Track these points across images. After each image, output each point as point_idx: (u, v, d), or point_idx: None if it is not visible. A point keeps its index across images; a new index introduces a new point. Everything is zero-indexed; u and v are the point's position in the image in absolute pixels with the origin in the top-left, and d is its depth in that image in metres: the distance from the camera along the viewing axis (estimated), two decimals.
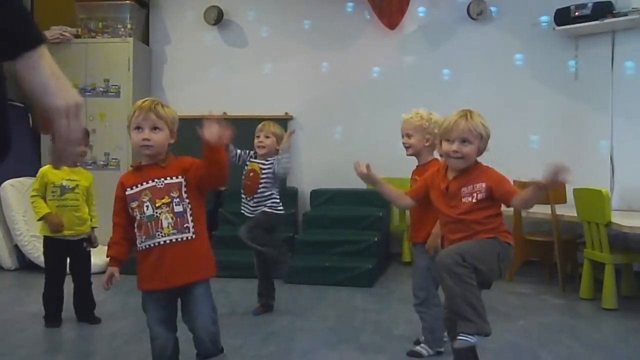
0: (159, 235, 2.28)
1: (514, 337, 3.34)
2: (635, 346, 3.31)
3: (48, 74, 1.01)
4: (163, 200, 2.29)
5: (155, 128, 2.30)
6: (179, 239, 2.29)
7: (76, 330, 3.43)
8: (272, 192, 3.76)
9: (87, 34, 6.10)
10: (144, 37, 6.45)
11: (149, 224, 2.29)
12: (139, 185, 2.33)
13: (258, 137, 3.78)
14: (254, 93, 6.25)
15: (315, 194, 5.82)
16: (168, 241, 2.28)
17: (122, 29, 6.09)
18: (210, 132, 2.11)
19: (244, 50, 6.37)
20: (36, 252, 5.09)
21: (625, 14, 5.01)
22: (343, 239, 5.13)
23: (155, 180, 2.31)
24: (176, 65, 6.45)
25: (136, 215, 2.32)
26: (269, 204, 3.74)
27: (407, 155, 3.07)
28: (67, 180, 3.55)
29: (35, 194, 3.49)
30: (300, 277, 4.72)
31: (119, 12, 6.11)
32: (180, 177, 2.32)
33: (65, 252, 3.50)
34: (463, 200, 2.30)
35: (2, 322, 3.58)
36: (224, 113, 6.07)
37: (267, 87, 6.27)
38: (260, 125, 3.83)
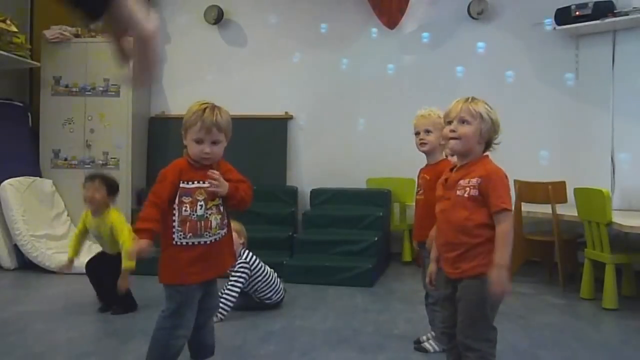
0: (207, 235, 2.39)
1: (514, 337, 3.34)
2: (636, 346, 3.30)
3: (133, 6, 1.13)
4: (214, 202, 2.40)
5: (216, 142, 2.39)
6: (221, 236, 2.43)
7: (76, 330, 3.43)
8: None
9: (87, 34, 6.09)
10: None
11: (198, 223, 2.37)
12: (195, 182, 2.38)
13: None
14: (254, 92, 6.24)
15: (315, 194, 5.81)
16: (214, 240, 2.41)
17: None
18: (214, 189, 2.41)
19: (244, 50, 6.36)
20: (35, 251, 5.09)
21: (626, 14, 5.01)
22: (343, 238, 5.12)
23: (209, 181, 2.38)
24: (176, 65, 6.44)
25: (185, 211, 2.35)
26: None
27: (422, 151, 2.97)
28: (94, 229, 3.84)
29: (76, 232, 3.99)
30: (300, 276, 4.72)
31: None
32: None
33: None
34: (457, 193, 2.17)
35: (1, 322, 3.57)
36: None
37: (267, 87, 6.27)
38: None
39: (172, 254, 2.36)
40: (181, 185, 2.37)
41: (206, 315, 2.54)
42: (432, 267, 2.38)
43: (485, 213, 2.13)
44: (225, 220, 2.46)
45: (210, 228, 2.38)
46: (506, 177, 2.18)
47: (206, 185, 2.37)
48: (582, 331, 3.51)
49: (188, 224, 2.34)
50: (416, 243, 3.12)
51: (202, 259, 2.39)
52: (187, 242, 2.36)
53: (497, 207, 2.10)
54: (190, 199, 2.35)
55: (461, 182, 2.18)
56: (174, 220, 2.35)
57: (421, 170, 3.03)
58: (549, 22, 5.53)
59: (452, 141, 2.22)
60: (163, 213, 2.34)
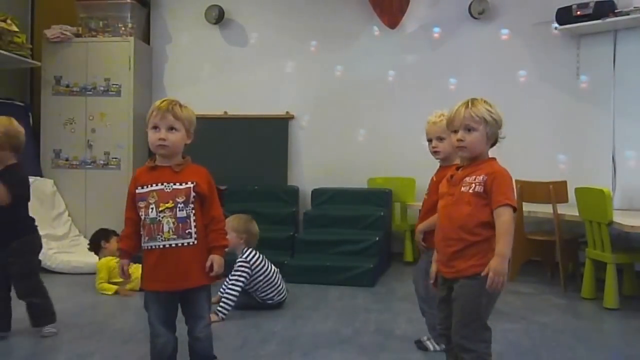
0: (159, 238, 2.33)
1: (515, 336, 3.33)
2: (637, 346, 3.30)
3: None
4: (167, 205, 2.33)
5: (171, 128, 2.36)
6: (180, 244, 2.33)
7: (76, 330, 3.42)
8: None
9: (87, 33, 6.08)
10: (145, 36, 6.44)
11: (151, 226, 2.34)
12: (148, 186, 2.37)
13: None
14: (255, 92, 6.24)
15: (316, 193, 5.81)
16: (167, 245, 2.32)
17: (123, 28, 6.08)
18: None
19: (244, 50, 6.36)
20: None
21: (627, 14, 5.00)
22: (344, 238, 5.12)
23: (165, 183, 2.35)
24: (177, 65, 6.44)
25: (141, 215, 2.36)
26: None
27: (437, 158, 2.94)
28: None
29: (100, 281, 4.39)
30: (301, 276, 4.71)
31: (120, 11, 6.10)
32: (190, 182, 2.37)
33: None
34: (462, 189, 2.19)
35: None
36: (225, 112, 6.11)
37: (268, 86, 6.26)
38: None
39: (143, 258, 2.41)
40: (137, 191, 2.38)
41: (191, 323, 2.46)
42: (434, 268, 2.37)
43: (487, 212, 2.14)
44: (190, 230, 2.35)
45: (162, 232, 2.32)
46: (511, 178, 2.21)
47: (158, 187, 2.34)
48: (583, 331, 3.51)
49: (146, 228, 2.35)
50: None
51: (160, 265, 2.34)
52: (147, 247, 2.36)
53: (501, 202, 2.12)
54: (144, 202, 2.35)
55: (467, 179, 2.20)
56: (141, 226, 2.39)
57: (438, 168, 3.00)
58: (555, 25, 5.49)
59: (460, 151, 2.25)
60: (137, 225, 2.40)
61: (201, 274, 2.39)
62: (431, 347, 3.03)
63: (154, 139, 2.37)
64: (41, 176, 5.86)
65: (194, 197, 2.36)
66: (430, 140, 2.91)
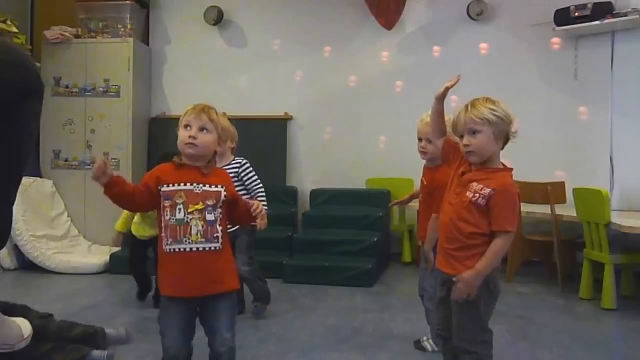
0: (186, 241, 2.20)
1: (513, 337, 3.35)
2: (635, 346, 3.31)
3: None
4: (197, 206, 2.21)
5: (203, 129, 2.25)
6: (207, 248, 2.22)
7: None
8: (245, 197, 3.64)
9: (87, 34, 6.09)
10: (144, 37, 6.45)
11: (177, 227, 2.20)
12: (175, 185, 2.23)
13: None
14: (253, 93, 6.26)
15: (315, 194, 5.82)
16: (195, 249, 2.20)
17: (122, 29, 6.10)
18: (261, 223, 2.36)
19: (244, 50, 6.37)
20: (35, 251, 5.10)
21: (625, 15, 5.02)
22: (343, 238, 5.13)
23: (194, 184, 2.23)
24: (176, 65, 6.46)
25: (166, 215, 2.22)
26: None
27: (423, 158, 2.92)
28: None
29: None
30: (300, 276, 4.73)
31: (119, 12, 6.11)
32: (220, 186, 2.26)
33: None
34: (467, 193, 2.12)
35: None
36: (224, 113, 6.11)
37: (267, 87, 6.28)
38: None
39: (161, 262, 2.27)
40: (162, 190, 2.23)
41: (212, 340, 2.26)
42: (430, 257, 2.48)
43: (485, 224, 2.09)
44: (217, 234, 2.24)
45: (190, 234, 2.19)
46: (518, 198, 2.13)
47: (187, 187, 2.21)
48: (581, 331, 3.52)
49: (169, 229, 2.21)
50: (421, 242, 3.12)
51: (183, 269, 2.21)
52: (170, 249, 2.21)
53: (500, 227, 2.06)
54: (170, 202, 2.21)
55: (474, 184, 2.12)
56: (162, 227, 2.24)
57: (424, 167, 3.00)
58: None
59: (469, 156, 2.16)
60: (131, 191, 2.23)
61: (225, 279, 2.27)
62: (429, 348, 3.04)
63: (184, 137, 2.24)
64: (40, 177, 5.87)
65: (223, 201, 2.25)
66: (420, 139, 2.89)
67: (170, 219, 2.21)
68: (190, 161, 2.28)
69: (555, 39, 5.61)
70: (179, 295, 2.23)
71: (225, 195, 2.26)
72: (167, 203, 2.22)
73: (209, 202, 2.23)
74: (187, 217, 2.20)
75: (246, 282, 3.72)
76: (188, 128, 2.26)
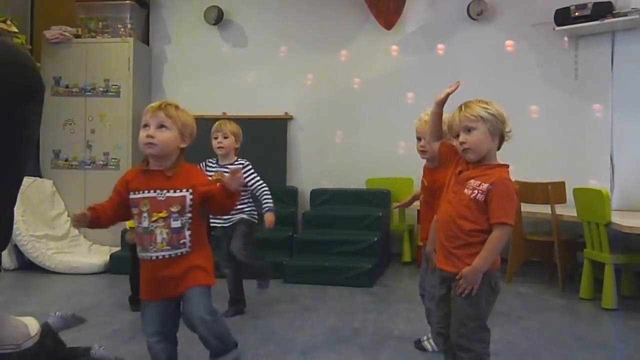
0: (151, 249, 2.19)
1: (513, 337, 3.35)
2: (635, 346, 3.31)
3: None
4: (160, 215, 2.17)
5: (161, 126, 2.21)
6: (172, 255, 2.20)
7: (75, 330, 3.42)
8: (246, 196, 3.66)
9: (87, 34, 6.10)
10: (144, 37, 6.45)
11: (144, 235, 2.21)
12: (141, 192, 2.22)
13: (216, 137, 3.62)
14: (254, 93, 6.25)
15: (315, 194, 5.82)
16: (160, 257, 2.19)
17: (122, 29, 6.10)
18: (235, 184, 2.20)
19: (244, 50, 6.37)
20: (35, 252, 5.10)
21: (625, 14, 5.02)
22: (343, 238, 5.13)
23: (157, 190, 2.19)
24: (176, 65, 6.45)
25: (136, 222, 2.24)
26: (247, 211, 3.68)
27: (422, 157, 2.92)
28: None
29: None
30: (300, 276, 4.73)
31: (119, 12, 6.11)
32: (185, 190, 2.21)
33: None
34: (465, 191, 2.16)
35: None
36: (224, 113, 6.12)
37: (267, 87, 6.28)
38: (216, 125, 3.65)
39: (140, 267, 2.31)
40: (130, 196, 2.22)
41: (192, 323, 2.24)
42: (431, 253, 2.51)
43: (484, 219, 2.12)
44: (184, 240, 2.20)
45: (155, 242, 2.17)
46: (515, 192, 2.16)
47: (151, 195, 2.18)
48: (581, 331, 3.52)
49: (139, 236, 2.22)
50: (423, 243, 3.12)
51: (151, 277, 2.22)
52: (141, 256, 2.24)
53: (498, 219, 2.09)
54: (137, 209, 2.20)
55: (472, 181, 2.15)
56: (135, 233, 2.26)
57: (424, 168, 3.00)
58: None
59: (463, 153, 2.19)
60: (112, 215, 2.25)
61: (193, 277, 2.23)
62: (430, 348, 3.04)
63: (142, 137, 2.20)
64: (40, 176, 5.87)
65: (190, 205, 2.21)
66: (419, 139, 2.89)
67: (138, 226, 2.22)
68: (155, 162, 2.25)
69: (556, 39, 5.61)
70: (151, 299, 2.27)
71: (191, 200, 2.21)
72: (135, 210, 2.23)
73: (173, 209, 2.19)
74: (152, 226, 2.18)
75: (243, 267, 3.72)
76: (146, 127, 2.23)
